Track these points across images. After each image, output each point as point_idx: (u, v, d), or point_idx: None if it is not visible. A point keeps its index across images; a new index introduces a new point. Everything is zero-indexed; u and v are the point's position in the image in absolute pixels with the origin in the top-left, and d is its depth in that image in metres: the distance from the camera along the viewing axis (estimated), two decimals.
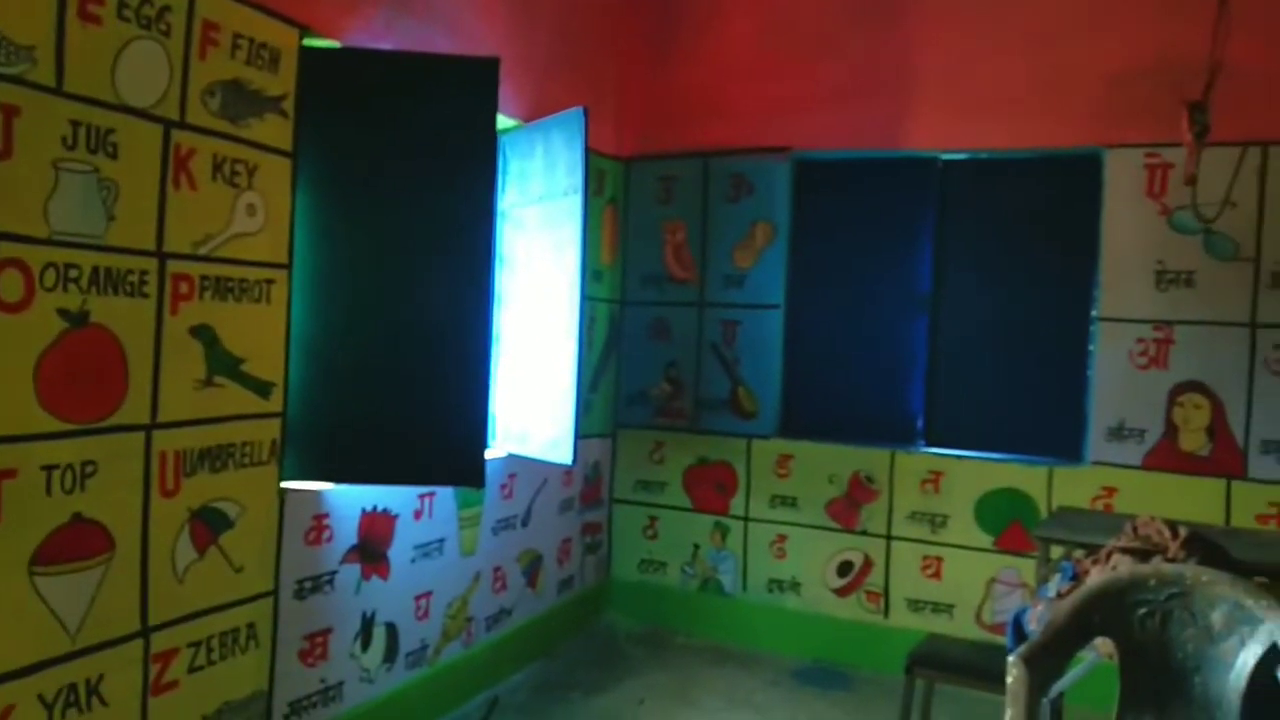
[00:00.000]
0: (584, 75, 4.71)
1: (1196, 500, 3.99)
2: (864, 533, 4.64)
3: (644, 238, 5.13)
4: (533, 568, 4.49)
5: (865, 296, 4.77)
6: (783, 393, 4.87)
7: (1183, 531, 2.65)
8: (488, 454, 3.56)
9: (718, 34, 4.96)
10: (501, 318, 4.11)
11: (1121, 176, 4.16)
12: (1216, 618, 2.28)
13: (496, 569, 4.19)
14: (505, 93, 3.70)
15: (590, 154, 3.75)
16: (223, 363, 2.78)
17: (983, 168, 4.52)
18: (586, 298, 4.05)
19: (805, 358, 4.86)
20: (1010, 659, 2.28)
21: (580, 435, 3.76)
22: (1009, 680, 2.27)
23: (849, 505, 4.67)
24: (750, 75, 4.88)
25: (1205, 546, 2.61)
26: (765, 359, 4.86)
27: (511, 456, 4.11)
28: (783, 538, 4.80)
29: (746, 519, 4.90)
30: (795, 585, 4.77)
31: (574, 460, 3.72)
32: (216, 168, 2.73)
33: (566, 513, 4.78)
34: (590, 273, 4.72)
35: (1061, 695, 2.74)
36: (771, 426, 4.85)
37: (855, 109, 4.65)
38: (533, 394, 3.93)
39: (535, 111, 4.18)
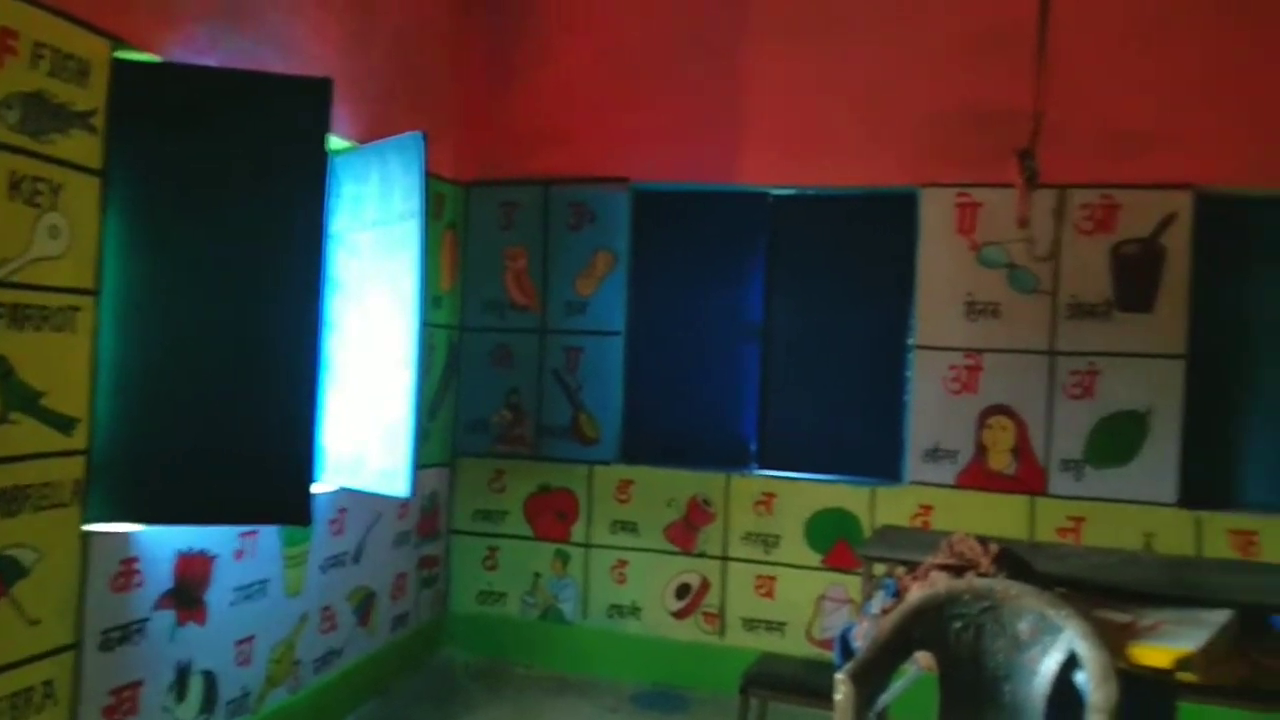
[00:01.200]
0: (423, 98, 4.63)
1: (1004, 516, 4.29)
2: (702, 555, 4.73)
3: (484, 264, 5.08)
4: (365, 605, 4.32)
5: (701, 324, 4.90)
6: (624, 419, 4.91)
7: (993, 548, 2.82)
8: (316, 488, 3.41)
9: (558, 63, 4.99)
10: (332, 345, 3.96)
11: (935, 214, 4.45)
12: (1023, 628, 2.45)
13: (325, 608, 4.01)
14: (339, 114, 3.59)
15: (429, 178, 3.69)
16: (19, 397, 2.56)
17: (810, 203, 4.74)
18: (425, 324, 3.96)
19: (645, 384, 4.93)
20: (838, 676, 2.37)
21: (418, 465, 3.67)
22: (837, 697, 2.35)
23: (687, 528, 4.75)
24: (590, 105, 4.93)
25: (1013, 561, 2.79)
26: (607, 385, 4.89)
27: (343, 490, 3.95)
28: (623, 563, 4.83)
29: (588, 545, 4.89)
30: (635, 610, 4.80)
31: (411, 492, 3.62)
32: (14, 186, 2.52)
33: (402, 546, 4.63)
34: (429, 298, 4.62)
35: (886, 708, 2.87)
36: (613, 452, 4.88)
37: (691, 143, 4.78)
38: (366, 424, 3.79)
39: (371, 134, 4.07)
